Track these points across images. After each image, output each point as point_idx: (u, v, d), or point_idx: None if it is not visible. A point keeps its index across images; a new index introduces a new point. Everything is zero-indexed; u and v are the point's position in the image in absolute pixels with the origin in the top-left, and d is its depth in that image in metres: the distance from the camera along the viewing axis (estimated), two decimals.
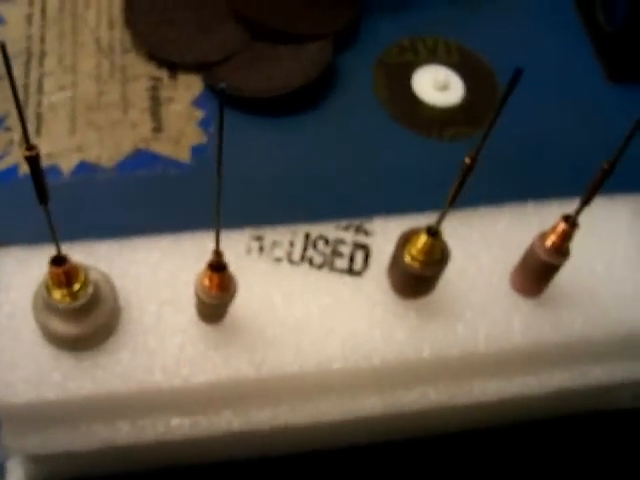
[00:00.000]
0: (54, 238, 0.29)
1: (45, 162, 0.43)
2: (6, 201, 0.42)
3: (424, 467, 0.39)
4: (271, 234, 0.35)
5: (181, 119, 0.44)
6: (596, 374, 0.37)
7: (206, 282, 0.31)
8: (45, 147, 0.43)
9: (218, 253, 0.30)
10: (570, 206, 0.32)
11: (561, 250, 0.33)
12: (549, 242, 0.33)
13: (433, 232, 0.32)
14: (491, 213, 0.37)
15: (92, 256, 0.34)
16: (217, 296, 0.31)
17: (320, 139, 0.44)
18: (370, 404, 0.35)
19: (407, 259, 0.33)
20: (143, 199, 0.42)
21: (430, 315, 0.34)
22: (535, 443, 0.40)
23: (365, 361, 0.33)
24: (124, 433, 0.33)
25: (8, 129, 0.44)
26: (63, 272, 0.30)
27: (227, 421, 0.34)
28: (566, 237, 0.33)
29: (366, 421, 0.35)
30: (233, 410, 0.34)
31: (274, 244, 0.35)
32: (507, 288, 0.36)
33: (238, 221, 0.36)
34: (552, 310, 0.35)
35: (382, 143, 0.45)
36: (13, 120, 0.44)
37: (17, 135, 0.44)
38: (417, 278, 0.33)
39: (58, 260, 0.30)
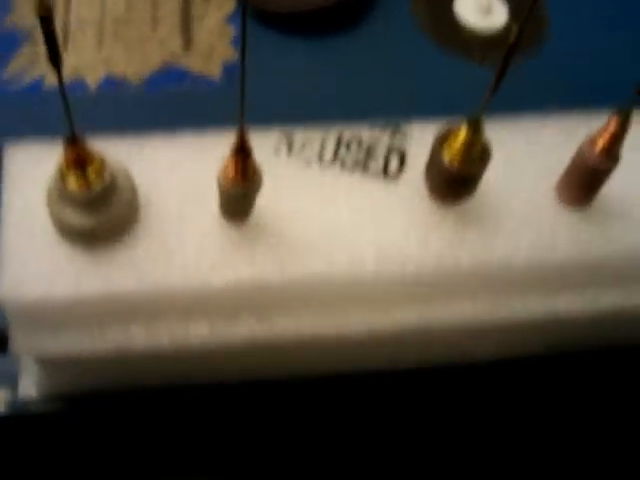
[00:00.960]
0: (68, 115, 0.27)
1: (71, 75, 0.41)
2: (31, 113, 0.40)
3: (455, 397, 0.37)
4: (301, 135, 0.33)
5: (213, 36, 0.42)
6: None
7: (230, 170, 0.29)
8: (71, 60, 0.41)
9: (242, 135, 0.28)
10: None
11: (611, 154, 0.31)
12: (599, 145, 0.31)
13: (474, 123, 0.29)
14: (537, 121, 0.35)
15: (111, 154, 0.32)
16: (241, 185, 0.29)
17: (354, 61, 0.42)
18: (404, 316, 0.32)
19: (446, 157, 0.30)
20: (170, 115, 0.40)
21: (469, 223, 0.32)
22: (574, 375, 0.37)
23: (399, 268, 0.31)
24: (139, 338, 0.31)
25: (35, 42, 0.42)
26: (78, 154, 0.28)
27: (249, 328, 0.32)
28: (617, 139, 0.30)
29: (398, 337, 0.33)
30: (256, 316, 0.32)
31: (304, 145, 0.33)
32: (552, 198, 0.33)
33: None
34: (601, 222, 0.33)
35: (420, 67, 0.43)
36: (39, 34, 0.42)
37: (43, 49, 0.42)
38: (456, 178, 0.31)
39: (72, 139, 0.28)
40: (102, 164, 0.29)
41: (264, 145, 0.33)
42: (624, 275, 0.33)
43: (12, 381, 0.35)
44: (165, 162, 0.32)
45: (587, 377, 0.38)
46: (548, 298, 0.33)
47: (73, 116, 0.28)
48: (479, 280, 0.32)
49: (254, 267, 0.31)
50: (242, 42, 0.25)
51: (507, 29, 0.44)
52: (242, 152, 0.28)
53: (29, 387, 0.35)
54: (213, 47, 0.42)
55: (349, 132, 0.33)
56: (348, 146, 0.33)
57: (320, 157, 0.33)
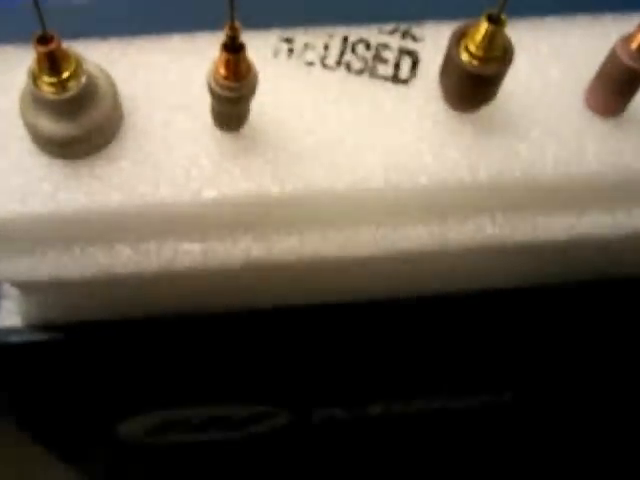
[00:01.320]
0: (38, 12, 0.24)
1: None
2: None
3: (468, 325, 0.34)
4: (303, 36, 0.30)
5: None
6: None
7: (220, 70, 0.26)
8: None
9: (233, 28, 0.25)
10: None
11: None
12: (635, 44, 0.28)
13: (495, 17, 0.26)
14: (562, 23, 0.31)
15: (91, 57, 0.29)
16: (233, 87, 0.26)
17: None
18: (414, 235, 0.29)
19: (464, 56, 0.27)
20: (163, 12, 0.36)
21: (489, 131, 0.29)
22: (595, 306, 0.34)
23: (410, 180, 0.28)
24: (124, 258, 0.29)
25: None
26: (50, 53, 0.25)
27: (245, 248, 0.29)
28: None
29: (408, 259, 0.30)
30: (252, 235, 0.29)
31: (306, 47, 0.30)
32: (580, 105, 0.30)
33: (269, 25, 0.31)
34: (634, 132, 0.30)
35: None
36: None
37: None
38: (475, 79, 0.27)
39: (44, 38, 0.25)
40: (78, 65, 0.26)
41: (262, 47, 0.30)
42: None
43: None
44: (152, 66, 0.29)
45: (611, 308, 0.35)
46: (575, 217, 0.30)
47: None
48: (499, 195, 0.29)
49: (250, 180, 0.28)
50: None
51: None
52: (232, 48, 0.25)
53: (10, 315, 0.32)
54: None
55: (356, 33, 0.30)
56: (354, 48, 0.30)
57: (323, 60, 0.30)
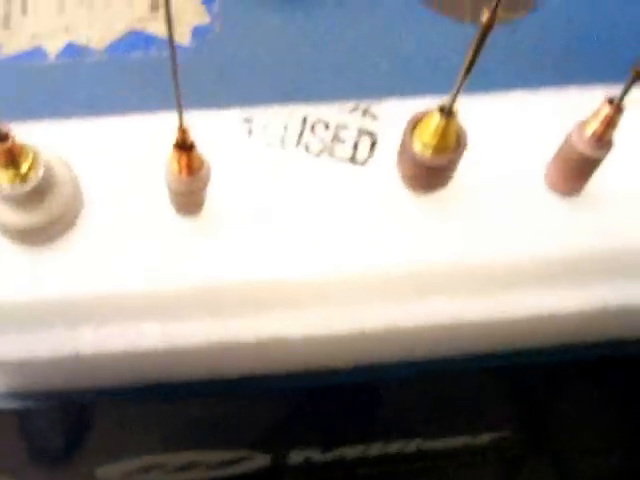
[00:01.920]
0: None
1: (30, 44, 0.38)
2: None
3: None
4: (263, 116, 0.30)
5: None
6: None
7: (174, 165, 0.26)
8: (30, 27, 0.38)
9: (182, 130, 0.25)
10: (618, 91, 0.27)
11: (603, 140, 0.28)
12: (589, 130, 0.28)
13: (447, 111, 0.26)
14: (526, 97, 0.31)
15: (53, 139, 0.29)
16: (186, 182, 0.26)
17: (332, 18, 0.38)
18: (373, 316, 0.30)
19: (417, 146, 0.27)
20: (135, 84, 0.37)
21: (446, 213, 0.29)
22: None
23: (364, 264, 0.28)
24: (88, 340, 0.29)
25: None
26: (7, 150, 0.26)
27: (206, 329, 0.29)
28: (609, 124, 0.27)
29: (366, 338, 0.30)
30: (213, 317, 0.29)
31: (265, 127, 0.30)
32: (541, 184, 0.30)
33: (231, 104, 0.32)
34: (594, 211, 0.30)
35: (403, 25, 0.39)
36: None
37: (1, 13, 0.39)
38: (429, 168, 0.28)
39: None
40: (35, 157, 0.27)
41: (222, 127, 0.30)
42: (619, 269, 0.30)
43: None
44: (113, 146, 0.30)
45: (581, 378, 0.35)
46: (537, 294, 0.30)
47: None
48: (457, 277, 0.29)
49: (207, 267, 0.28)
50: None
51: None
52: (184, 148, 0.25)
53: None
54: (182, 9, 0.38)
55: (315, 113, 0.30)
56: (313, 129, 0.30)
57: (283, 140, 0.30)
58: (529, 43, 0.37)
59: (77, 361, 0.29)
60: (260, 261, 0.28)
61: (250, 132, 0.30)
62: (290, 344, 0.30)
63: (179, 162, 0.26)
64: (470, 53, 0.24)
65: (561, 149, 0.29)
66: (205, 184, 0.27)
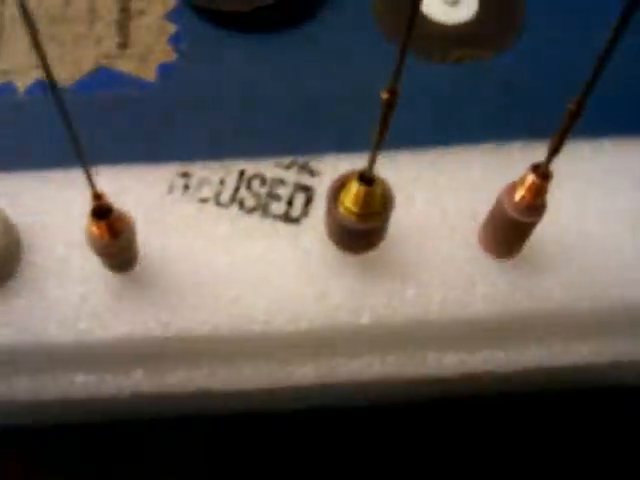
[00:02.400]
0: None
1: (0, 80, 0.39)
2: None
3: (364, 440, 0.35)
4: (200, 170, 0.31)
5: (150, 34, 0.39)
6: (580, 353, 0.31)
7: (94, 229, 0.27)
8: (2, 63, 0.39)
9: (96, 195, 0.25)
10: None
11: (533, 206, 0.27)
12: (518, 196, 0.27)
13: (367, 179, 0.26)
14: (462, 153, 0.31)
15: None
16: (108, 244, 0.27)
17: (300, 59, 0.39)
18: (302, 373, 0.30)
19: (341, 210, 0.27)
20: (101, 121, 0.37)
21: (374, 274, 0.29)
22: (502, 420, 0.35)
23: (291, 324, 0.29)
24: (22, 389, 0.30)
25: None
26: None
27: (136, 382, 0.30)
28: (538, 191, 0.27)
29: (296, 391, 0.30)
30: (143, 370, 0.30)
31: (202, 182, 0.30)
32: (475, 246, 0.30)
33: (195, 152, 0.32)
34: (526, 275, 0.30)
35: (373, 65, 0.39)
36: None
37: None
38: (353, 232, 0.28)
39: None
40: None
41: (158, 182, 0.30)
42: (551, 331, 0.30)
43: None
44: (51, 200, 0.30)
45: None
46: (467, 354, 0.30)
47: None
48: (384, 338, 0.29)
49: (135, 323, 0.29)
50: None
51: (474, 22, 0.40)
52: (100, 214, 0.26)
53: None
54: (150, 47, 0.39)
55: (253, 167, 0.31)
56: (249, 184, 0.30)
57: (218, 196, 0.30)
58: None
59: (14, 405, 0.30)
60: (183, 319, 0.29)
61: (186, 187, 0.30)
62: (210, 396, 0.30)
63: (98, 227, 0.26)
64: (376, 129, 0.24)
65: (492, 212, 0.28)
66: (129, 244, 0.27)
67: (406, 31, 0.21)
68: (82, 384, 0.30)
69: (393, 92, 0.23)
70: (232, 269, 0.29)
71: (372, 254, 0.29)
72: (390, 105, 0.23)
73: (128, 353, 0.29)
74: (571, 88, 0.33)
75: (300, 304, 0.29)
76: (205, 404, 0.31)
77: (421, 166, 0.31)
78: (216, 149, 0.33)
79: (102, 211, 0.26)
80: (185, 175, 0.30)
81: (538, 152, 0.29)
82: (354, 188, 0.27)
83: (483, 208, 0.29)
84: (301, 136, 0.34)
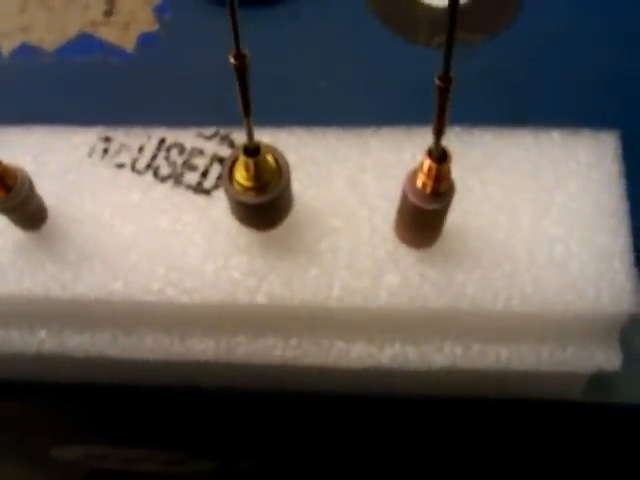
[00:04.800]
0: None
1: None
2: None
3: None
4: (122, 136, 0.30)
5: (136, 2, 0.39)
6: (501, 356, 0.28)
7: None
8: None
9: None
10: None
11: (436, 192, 0.25)
12: (419, 182, 0.26)
13: (250, 150, 0.25)
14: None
15: None
16: (2, 198, 0.27)
17: (282, 37, 0.38)
18: (200, 348, 0.29)
19: (235, 185, 0.26)
20: (79, 87, 0.38)
21: (278, 253, 0.28)
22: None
23: (185, 296, 0.28)
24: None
25: None
26: None
27: (39, 340, 0.30)
28: (438, 176, 0.25)
29: (196, 366, 0.30)
30: (47, 330, 0.30)
31: (121, 147, 0.30)
32: (390, 234, 0.28)
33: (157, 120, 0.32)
34: (439, 268, 0.28)
35: (358, 45, 0.38)
36: None
37: None
38: (248, 207, 0.27)
39: None
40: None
41: (79, 144, 0.30)
42: (464, 331, 0.28)
43: None
44: None
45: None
46: (373, 349, 0.29)
47: None
48: (282, 317, 0.28)
49: (37, 282, 0.29)
50: None
51: (468, 6, 0.37)
52: None
53: None
54: (133, 16, 0.39)
55: (174, 136, 0.30)
56: (168, 152, 0.30)
57: (134, 163, 0.30)
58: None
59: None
60: (84, 279, 0.28)
61: (105, 151, 0.30)
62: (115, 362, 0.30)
63: None
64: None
65: (400, 200, 0.27)
66: (26, 200, 0.27)
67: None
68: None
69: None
70: (136, 236, 0.29)
71: (279, 232, 0.28)
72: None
73: (31, 311, 0.29)
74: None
75: (198, 277, 0.28)
76: (106, 371, 0.31)
77: (329, 142, 0.29)
78: (179, 120, 0.32)
79: None
80: (106, 140, 0.30)
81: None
82: (241, 161, 0.26)
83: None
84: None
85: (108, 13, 0.39)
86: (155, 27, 0.38)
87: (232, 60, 0.22)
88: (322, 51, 0.37)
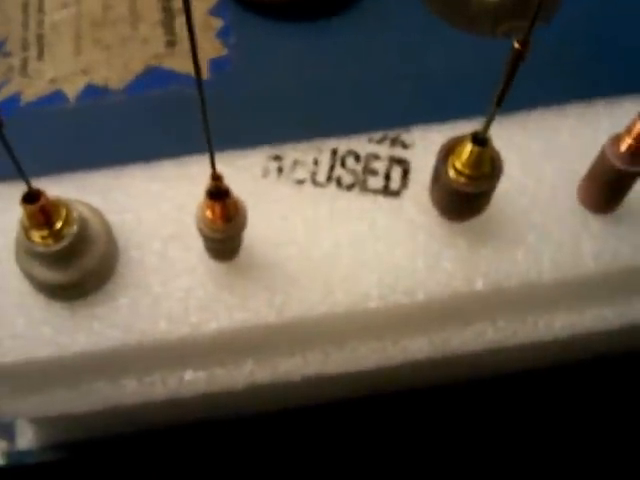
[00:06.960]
0: (19, 170, 0.24)
1: (49, 88, 0.38)
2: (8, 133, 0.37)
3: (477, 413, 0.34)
4: (292, 152, 0.30)
5: (197, 30, 0.38)
6: None
7: (207, 213, 0.26)
8: (48, 72, 0.38)
9: (215, 176, 0.25)
10: None
11: (638, 155, 0.27)
12: (624, 145, 0.27)
13: (480, 139, 0.26)
14: (552, 115, 0.31)
15: (84, 189, 0.29)
16: (222, 229, 0.26)
17: (351, 44, 0.38)
18: (416, 347, 0.29)
19: (451, 174, 0.27)
20: (157, 122, 0.37)
21: (483, 240, 0.29)
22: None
23: (406, 297, 0.28)
24: (130, 391, 0.29)
25: (7, 54, 0.39)
26: (39, 210, 0.26)
27: (248, 373, 0.29)
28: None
29: (412, 366, 0.30)
30: (255, 360, 0.29)
31: (295, 164, 0.30)
32: (575, 204, 0.30)
33: (258, 140, 0.31)
34: (630, 228, 0.29)
35: (423, 44, 0.38)
36: (13, 44, 0.39)
37: (18, 60, 0.39)
38: (464, 196, 0.27)
39: (30, 197, 0.25)
40: (69, 213, 0.26)
41: (251, 167, 0.30)
42: None
43: (9, 432, 0.33)
44: (145, 195, 0.29)
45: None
46: (577, 314, 0.30)
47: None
48: (497, 302, 0.29)
49: (247, 310, 0.28)
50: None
51: None
52: (217, 195, 0.25)
53: (26, 438, 0.33)
54: (198, 43, 0.38)
55: (345, 145, 0.30)
56: (344, 161, 0.30)
57: (314, 176, 0.30)
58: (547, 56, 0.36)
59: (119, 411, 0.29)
60: (297, 301, 0.28)
61: (280, 170, 0.30)
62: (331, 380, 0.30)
63: (213, 210, 0.26)
64: (501, 85, 0.24)
65: (594, 165, 0.28)
66: (241, 229, 0.26)
67: None
68: (192, 381, 0.29)
69: (525, 43, 0.23)
70: (338, 248, 0.29)
71: (478, 221, 0.29)
72: (520, 56, 0.23)
73: (239, 343, 0.28)
74: None
75: (412, 277, 0.28)
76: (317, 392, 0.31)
77: (509, 130, 0.30)
78: (287, 136, 0.32)
79: (219, 193, 0.25)
80: (277, 158, 0.30)
81: (622, 108, 0.29)
82: (467, 149, 0.26)
83: (577, 167, 0.29)
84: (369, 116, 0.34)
85: (171, 44, 0.38)
86: (223, 52, 0.38)
87: (517, 45, 0.23)
88: (395, 54, 0.38)
